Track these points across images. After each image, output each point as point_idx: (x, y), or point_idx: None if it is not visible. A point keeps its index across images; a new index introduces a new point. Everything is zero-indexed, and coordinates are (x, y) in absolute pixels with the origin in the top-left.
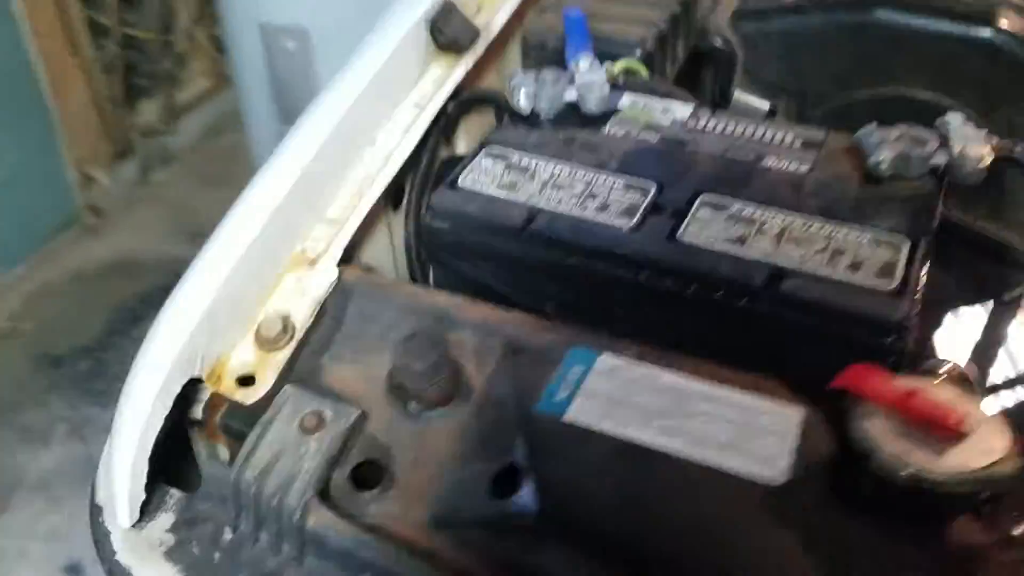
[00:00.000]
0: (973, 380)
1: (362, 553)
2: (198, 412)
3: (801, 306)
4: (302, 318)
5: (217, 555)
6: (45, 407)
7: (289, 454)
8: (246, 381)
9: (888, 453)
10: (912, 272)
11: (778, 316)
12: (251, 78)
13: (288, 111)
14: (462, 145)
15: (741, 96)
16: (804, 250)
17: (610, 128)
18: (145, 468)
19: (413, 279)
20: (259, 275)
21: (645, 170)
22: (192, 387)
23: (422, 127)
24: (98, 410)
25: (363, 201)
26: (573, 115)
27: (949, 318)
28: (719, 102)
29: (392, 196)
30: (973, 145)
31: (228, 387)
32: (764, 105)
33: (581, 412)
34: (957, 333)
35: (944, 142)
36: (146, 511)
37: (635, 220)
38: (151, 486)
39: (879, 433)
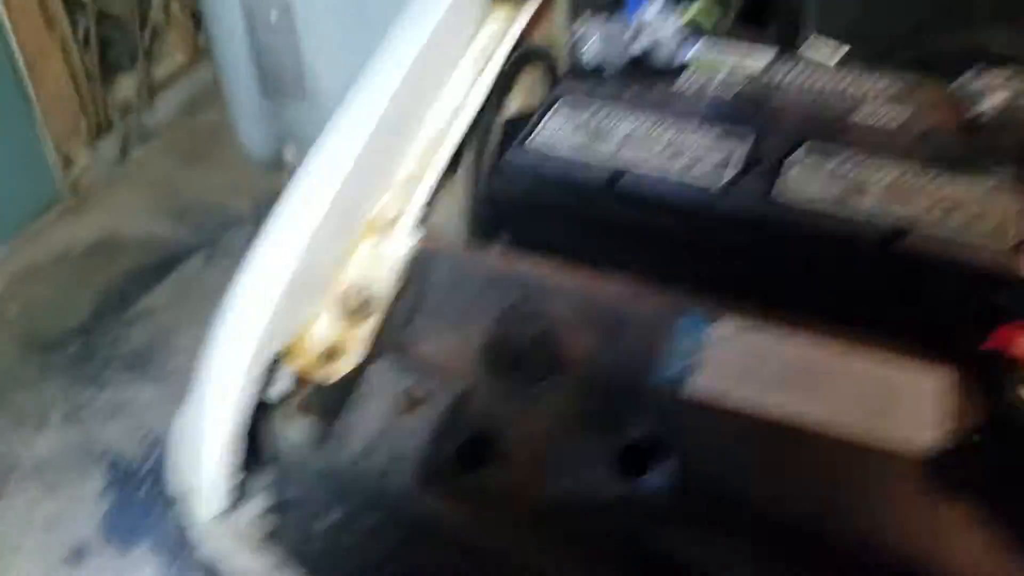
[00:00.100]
0: None
1: (476, 537)
2: (275, 391)
3: (920, 266)
4: (384, 288)
5: (317, 542)
6: (36, 392)
7: (390, 433)
8: (330, 355)
9: None
10: None
11: (893, 277)
12: (231, 51)
13: (272, 85)
14: (512, 105)
15: (811, 42)
16: (916, 206)
17: (685, 80)
18: (236, 453)
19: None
20: (335, 243)
21: (730, 125)
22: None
23: (485, 84)
24: (92, 393)
25: (434, 162)
26: (642, 67)
27: None
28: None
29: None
30: None
31: (311, 362)
32: (836, 52)
33: (704, 384)
34: None
35: None
36: (234, 498)
37: (727, 178)
38: (239, 472)
39: None
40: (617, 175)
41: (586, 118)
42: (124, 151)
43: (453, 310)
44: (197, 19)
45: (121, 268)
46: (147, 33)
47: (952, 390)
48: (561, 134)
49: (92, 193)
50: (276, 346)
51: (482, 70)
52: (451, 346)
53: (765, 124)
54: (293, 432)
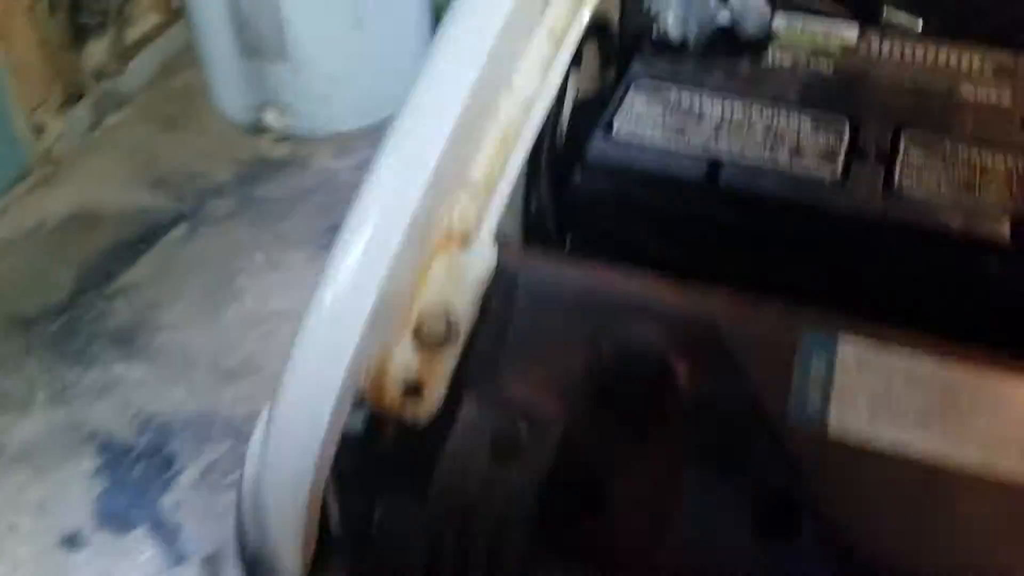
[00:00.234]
0: None
1: None
2: (358, 435)
3: None
4: (465, 310)
5: None
6: (20, 372)
7: (490, 487)
8: (412, 391)
9: None
10: None
11: None
12: (207, 11)
13: (251, 46)
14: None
15: (891, 13)
16: None
17: (774, 56)
18: (318, 511)
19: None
20: (412, 260)
21: (831, 105)
22: None
23: (563, 64)
24: (78, 372)
25: (511, 159)
26: (724, 40)
27: None
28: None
29: None
30: None
31: (392, 398)
32: (916, 24)
33: (846, 420)
34: None
35: None
36: (315, 563)
37: (839, 167)
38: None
39: None
40: (716, 166)
41: (673, 100)
42: (98, 118)
43: (545, 335)
44: None
45: (100, 241)
46: None
47: None
48: (647, 120)
49: (66, 163)
50: (362, 380)
51: (556, 50)
52: (544, 377)
53: (867, 106)
54: (380, 487)
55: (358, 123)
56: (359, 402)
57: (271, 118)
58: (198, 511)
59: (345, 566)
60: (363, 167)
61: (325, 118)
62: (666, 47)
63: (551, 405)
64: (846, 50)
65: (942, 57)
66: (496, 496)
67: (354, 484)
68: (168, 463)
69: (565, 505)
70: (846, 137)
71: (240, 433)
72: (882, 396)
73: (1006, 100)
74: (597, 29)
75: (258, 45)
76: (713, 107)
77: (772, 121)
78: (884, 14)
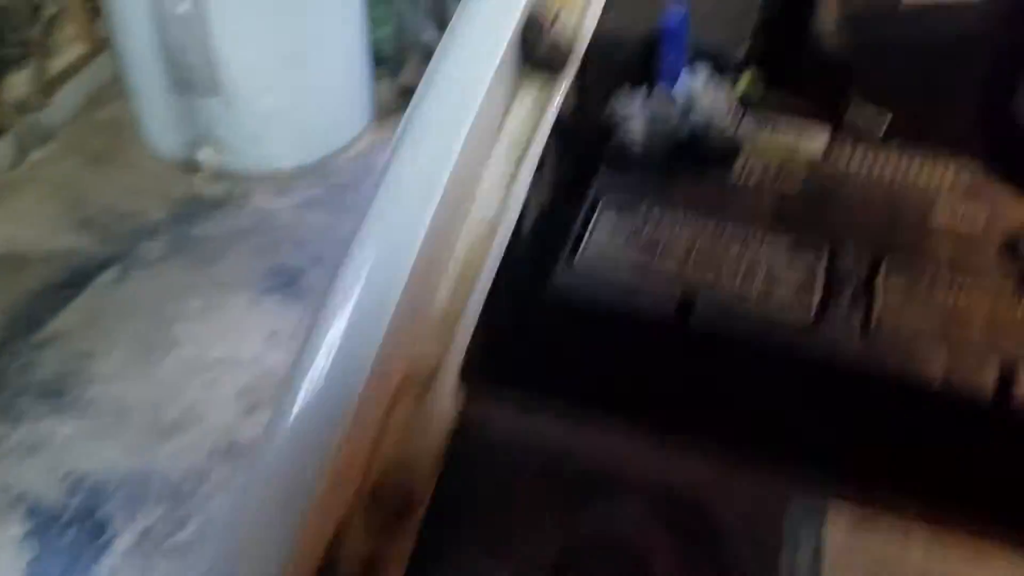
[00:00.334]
0: None
1: None
2: None
3: None
4: (425, 473)
5: None
6: None
7: None
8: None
9: None
10: None
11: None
12: (135, 43)
13: (182, 80)
14: None
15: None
16: None
17: (743, 168)
18: None
19: None
20: (370, 410)
21: (804, 228)
22: None
23: (526, 177)
24: (4, 429)
25: (477, 286)
26: (690, 150)
27: None
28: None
29: None
30: None
31: None
32: (884, 118)
33: None
34: None
35: None
36: None
37: (815, 303)
38: None
39: None
40: (687, 300)
41: (643, 219)
42: (21, 154)
43: (509, 507)
44: (96, 6)
45: (25, 286)
46: (40, 24)
47: None
48: (612, 247)
49: None
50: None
51: (523, 155)
52: (512, 564)
53: (839, 230)
54: None
55: (295, 161)
56: None
57: (204, 155)
58: None
59: None
60: (302, 206)
61: (261, 155)
62: (630, 156)
63: None
64: (815, 162)
65: (913, 170)
66: None
67: None
68: (101, 528)
69: None
70: (821, 267)
71: (178, 492)
72: None
73: (980, 221)
74: (558, 136)
75: (188, 78)
76: (684, 229)
77: (745, 245)
78: (851, 108)
